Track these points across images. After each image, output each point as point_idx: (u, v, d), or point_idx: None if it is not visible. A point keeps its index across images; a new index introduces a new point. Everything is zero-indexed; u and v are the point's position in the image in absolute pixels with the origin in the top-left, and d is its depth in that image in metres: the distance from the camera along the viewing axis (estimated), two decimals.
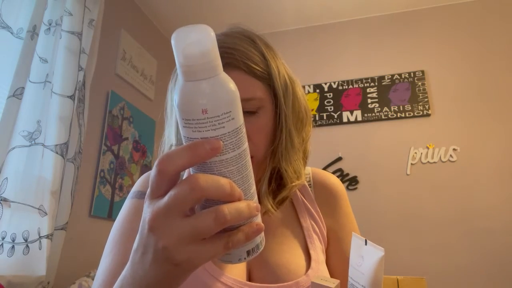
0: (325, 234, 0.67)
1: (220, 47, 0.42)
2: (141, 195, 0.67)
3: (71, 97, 1.55)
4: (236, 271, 0.58)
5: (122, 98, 2.16)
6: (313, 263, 0.61)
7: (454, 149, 2.15)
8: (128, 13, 2.33)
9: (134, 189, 0.69)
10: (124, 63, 2.22)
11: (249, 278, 0.59)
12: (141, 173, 2.29)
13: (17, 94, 1.36)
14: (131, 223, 0.63)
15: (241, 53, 0.56)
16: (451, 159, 2.14)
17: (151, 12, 2.52)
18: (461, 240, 1.99)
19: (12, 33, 1.44)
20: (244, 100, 0.53)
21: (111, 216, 1.97)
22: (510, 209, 1.98)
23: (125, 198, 2.09)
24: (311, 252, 0.63)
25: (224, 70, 0.34)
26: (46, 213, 1.41)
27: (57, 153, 1.46)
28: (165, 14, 2.55)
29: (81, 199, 1.81)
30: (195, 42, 0.31)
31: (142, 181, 0.70)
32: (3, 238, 1.29)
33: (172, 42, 0.31)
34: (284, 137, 0.60)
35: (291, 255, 0.61)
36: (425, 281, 1.64)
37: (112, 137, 2.04)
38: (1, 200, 1.28)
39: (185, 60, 0.31)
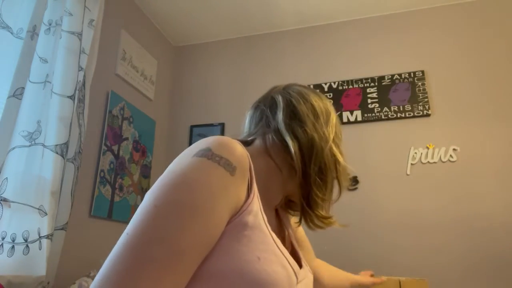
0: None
1: None
2: (213, 155, 0.45)
3: (71, 97, 1.55)
4: None
5: (122, 98, 2.17)
6: (303, 262, 0.66)
7: (454, 149, 2.15)
8: (128, 13, 2.33)
9: (206, 146, 0.46)
10: (124, 63, 2.22)
11: None
12: (141, 173, 2.28)
13: (17, 94, 1.36)
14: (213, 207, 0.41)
15: None
16: (451, 159, 2.14)
17: (151, 12, 2.52)
18: (461, 241, 1.99)
19: (12, 33, 1.44)
20: None
21: (111, 216, 1.97)
22: (510, 209, 1.98)
23: (125, 198, 2.09)
24: (297, 249, 0.70)
25: None
26: (46, 213, 1.41)
27: (57, 153, 1.46)
28: (165, 14, 2.55)
29: (81, 199, 1.81)
30: None
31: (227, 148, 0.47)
32: (3, 238, 1.29)
33: None
34: None
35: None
36: (427, 282, 1.63)
37: (112, 137, 2.04)
38: (1, 200, 1.28)
39: None
